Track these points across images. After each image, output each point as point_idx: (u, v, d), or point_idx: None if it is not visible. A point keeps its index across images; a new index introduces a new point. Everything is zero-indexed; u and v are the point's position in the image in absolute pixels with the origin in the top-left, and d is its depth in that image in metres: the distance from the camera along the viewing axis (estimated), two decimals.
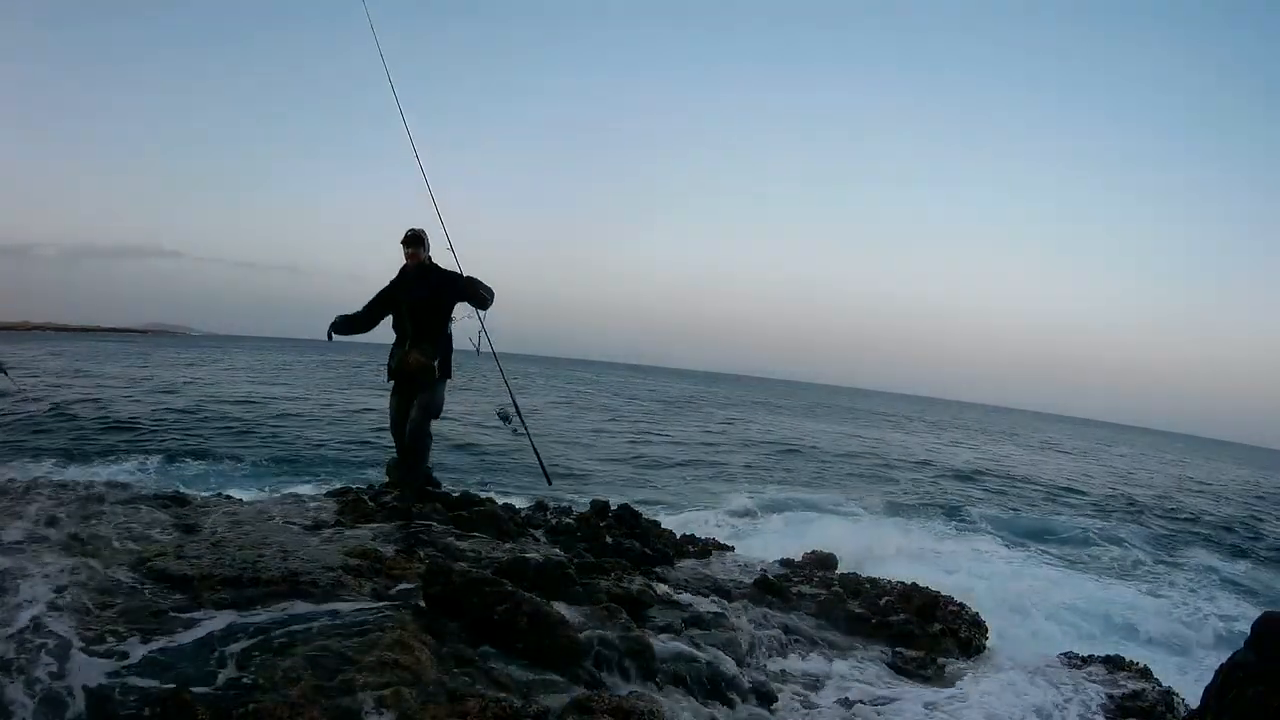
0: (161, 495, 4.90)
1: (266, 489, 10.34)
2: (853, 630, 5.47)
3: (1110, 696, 4.81)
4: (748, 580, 6.11)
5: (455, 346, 5.05)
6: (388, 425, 5.20)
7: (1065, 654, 5.90)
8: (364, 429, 17.39)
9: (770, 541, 9.85)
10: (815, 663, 4.65)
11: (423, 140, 5.34)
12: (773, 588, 5.88)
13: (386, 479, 6.10)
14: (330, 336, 4.96)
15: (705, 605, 4.64)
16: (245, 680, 2.41)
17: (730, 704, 3.38)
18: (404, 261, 4.98)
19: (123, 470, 11.77)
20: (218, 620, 2.80)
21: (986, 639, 5.96)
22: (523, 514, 6.51)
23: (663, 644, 3.59)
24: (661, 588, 4.85)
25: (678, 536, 7.80)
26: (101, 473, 10.87)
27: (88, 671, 2.38)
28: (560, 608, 3.41)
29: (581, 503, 9.05)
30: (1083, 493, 21.12)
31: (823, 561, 7.76)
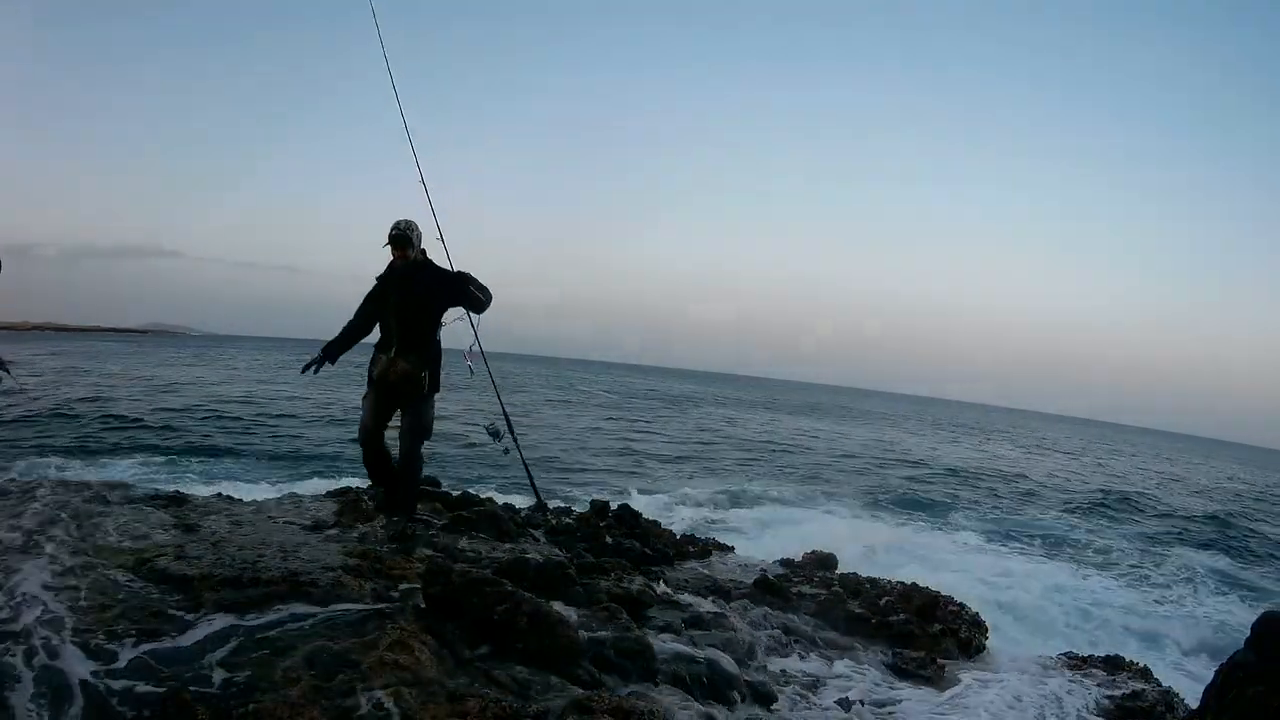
0: (161, 495, 4.89)
1: (267, 488, 10.35)
2: (853, 630, 5.47)
3: (1110, 697, 4.81)
4: (747, 580, 6.11)
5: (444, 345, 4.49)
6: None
7: (1065, 654, 5.91)
8: None
9: (748, 538, 10.00)
10: (815, 663, 4.65)
11: (424, 138, 5.23)
12: (772, 588, 5.88)
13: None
14: (316, 368, 4.35)
15: (705, 605, 4.65)
16: (245, 680, 2.41)
17: (730, 704, 3.38)
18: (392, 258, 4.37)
19: (123, 469, 11.79)
20: (218, 620, 2.80)
21: (986, 639, 5.95)
22: (523, 514, 6.51)
23: (663, 644, 3.59)
24: (661, 588, 4.85)
25: (677, 536, 7.80)
26: (102, 472, 10.89)
27: (87, 672, 2.38)
28: (560, 608, 3.41)
29: (582, 500, 9.07)
30: (1074, 491, 21.16)
31: (823, 561, 7.76)
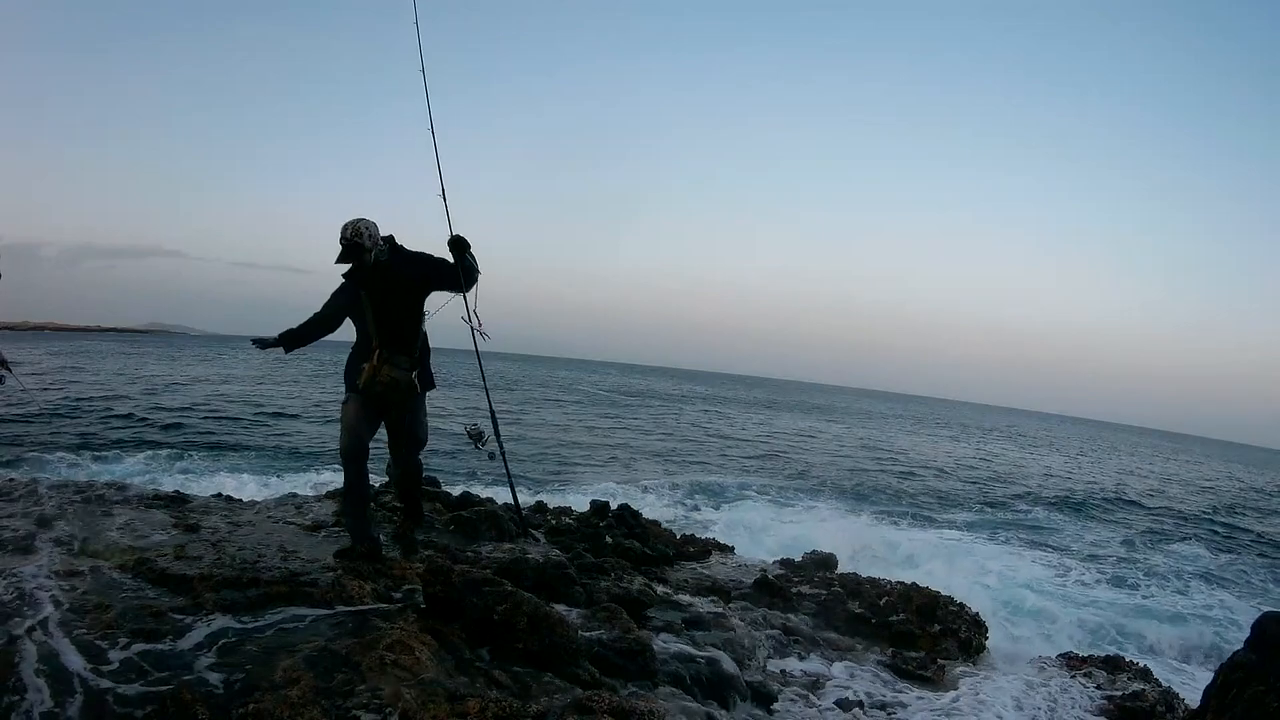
0: (161, 495, 4.90)
1: (267, 487, 10.36)
2: (853, 631, 5.47)
3: (1110, 697, 4.81)
4: (747, 581, 6.11)
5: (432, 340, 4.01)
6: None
7: (1065, 654, 5.91)
8: None
9: (747, 538, 10.07)
10: (815, 663, 4.65)
11: (426, 137, 4.84)
12: (772, 588, 5.89)
13: (386, 477, 5.84)
14: (268, 349, 3.84)
15: (705, 605, 4.65)
16: (245, 680, 2.41)
17: (729, 704, 3.38)
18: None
19: (123, 468, 11.81)
20: (218, 620, 2.80)
21: (986, 639, 5.95)
22: (523, 514, 6.49)
23: (663, 644, 3.59)
24: (661, 588, 4.86)
25: (677, 537, 7.81)
26: (102, 471, 10.90)
27: (87, 671, 2.38)
28: (560, 608, 3.41)
29: (579, 501, 9.07)
30: (1075, 491, 21.17)
31: (822, 562, 7.76)
